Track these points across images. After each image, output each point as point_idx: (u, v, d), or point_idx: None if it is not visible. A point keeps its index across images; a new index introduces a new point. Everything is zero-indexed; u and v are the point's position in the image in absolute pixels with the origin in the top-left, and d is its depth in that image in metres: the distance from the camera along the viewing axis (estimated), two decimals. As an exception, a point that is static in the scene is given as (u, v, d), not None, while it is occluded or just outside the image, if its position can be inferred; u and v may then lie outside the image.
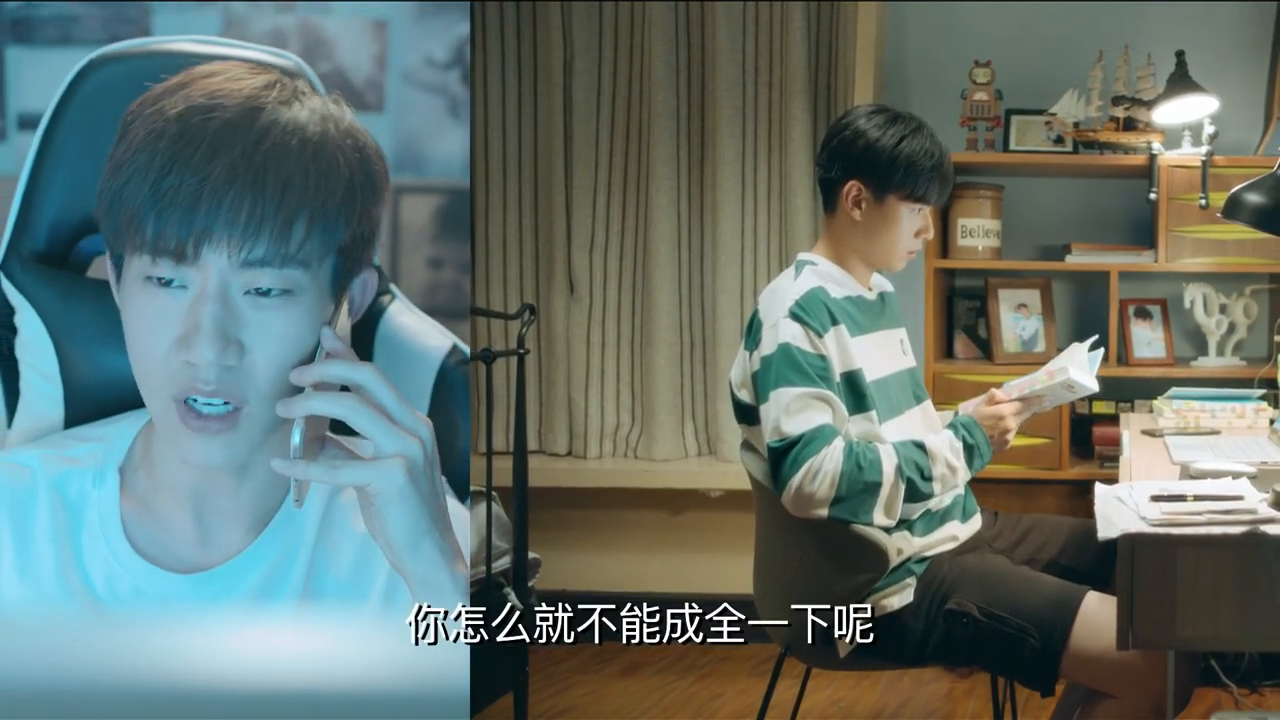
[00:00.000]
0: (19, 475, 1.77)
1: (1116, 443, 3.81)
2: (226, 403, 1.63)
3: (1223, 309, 4.45)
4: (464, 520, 1.81)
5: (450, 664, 0.69)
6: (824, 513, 2.59)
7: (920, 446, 2.68)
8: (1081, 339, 4.40)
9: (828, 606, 2.63)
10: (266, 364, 1.63)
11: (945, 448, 2.69)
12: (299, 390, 1.64)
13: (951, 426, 2.75)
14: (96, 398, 1.94)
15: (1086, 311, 4.74)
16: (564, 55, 4.82)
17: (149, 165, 1.61)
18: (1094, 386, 2.80)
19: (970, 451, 2.71)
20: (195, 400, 1.63)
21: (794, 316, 2.65)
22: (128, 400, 1.81)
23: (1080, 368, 2.80)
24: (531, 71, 4.86)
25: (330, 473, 1.63)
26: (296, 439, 1.63)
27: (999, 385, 2.95)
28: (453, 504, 1.80)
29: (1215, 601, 2.18)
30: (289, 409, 1.63)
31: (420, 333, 2.04)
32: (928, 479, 2.65)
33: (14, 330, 1.97)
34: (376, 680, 0.67)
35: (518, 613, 3.26)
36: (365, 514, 1.64)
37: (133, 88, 1.70)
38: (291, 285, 1.63)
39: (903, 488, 2.62)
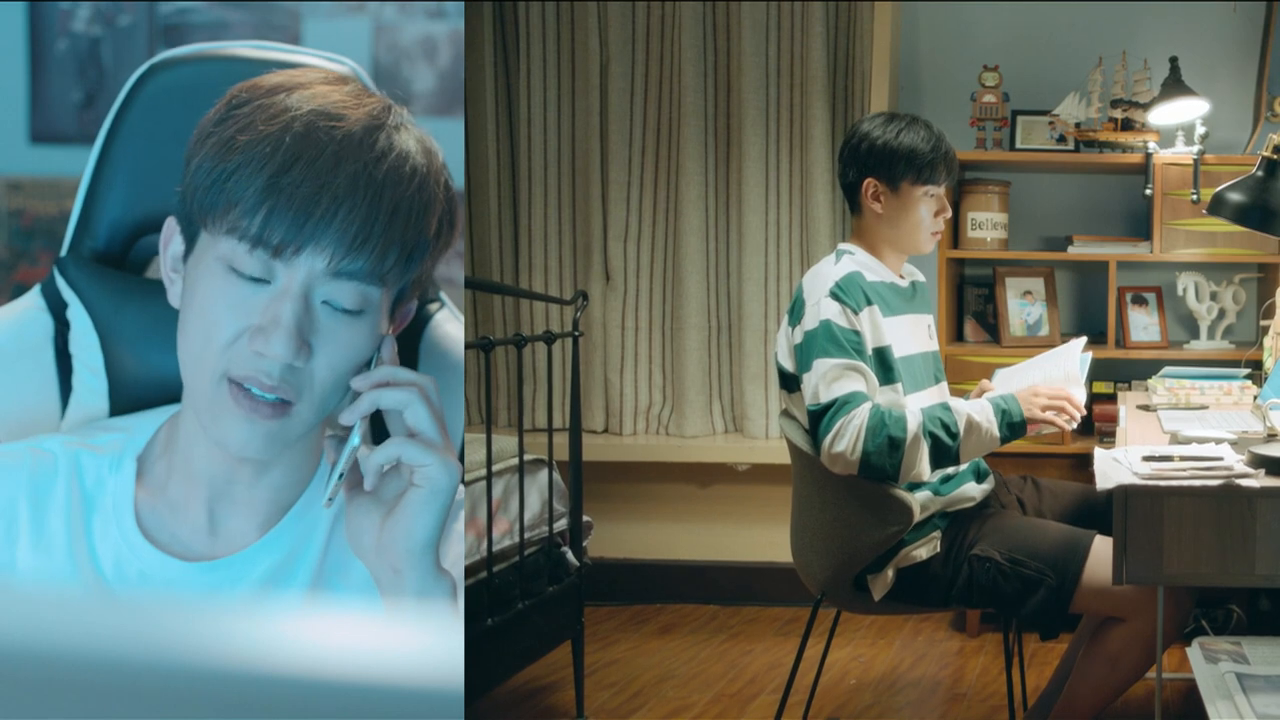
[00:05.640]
0: (40, 459, 1.77)
1: (1115, 419, 3.94)
2: (281, 397, 1.61)
3: (1213, 296, 4.54)
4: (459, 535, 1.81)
5: (446, 660, 0.67)
6: (855, 470, 2.82)
7: (945, 406, 2.90)
8: (1082, 326, 4.67)
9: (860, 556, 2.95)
10: (326, 369, 1.61)
11: (971, 406, 2.89)
12: (354, 398, 1.64)
13: (987, 397, 2.94)
14: (139, 394, 1.93)
15: (1087, 298, 4.85)
16: (600, 59, 4.96)
17: (270, 157, 1.56)
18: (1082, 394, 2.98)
19: (1000, 415, 2.86)
20: (253, 388, 1.60)
21: (834, 296, 2.89)
22: (170, 397, 1.84)
23: (1075, 383, 3.00)
24: (570, 74, 5.01)
25: (397, 446, 1.60)
26: (356, 440, 1.63)
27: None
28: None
29: (1196, 544, 2.47)
30: (353, 413, 1.63)
31: (463, 342, 2.07)
32: (954, 434, 2.83)
33: (69, 325, 1.99)
34: (374, 674, 0.65)
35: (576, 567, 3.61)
36: (377, 508, 1.62)
37: (193, 92, 1.68)
38: (364, 304, 1.61)
39: (926, 444, 2.81)
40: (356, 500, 1.64)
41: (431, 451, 1.59)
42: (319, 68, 1.79)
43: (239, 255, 1.58)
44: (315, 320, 1.60)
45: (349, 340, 1.62)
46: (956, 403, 2.93)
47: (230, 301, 1.59)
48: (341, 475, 1.62)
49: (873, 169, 3.03)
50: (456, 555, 1.75)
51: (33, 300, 2.03)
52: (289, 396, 1.61)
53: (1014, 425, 2.88)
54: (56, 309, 2.00)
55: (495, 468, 3.27)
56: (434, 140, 1.69)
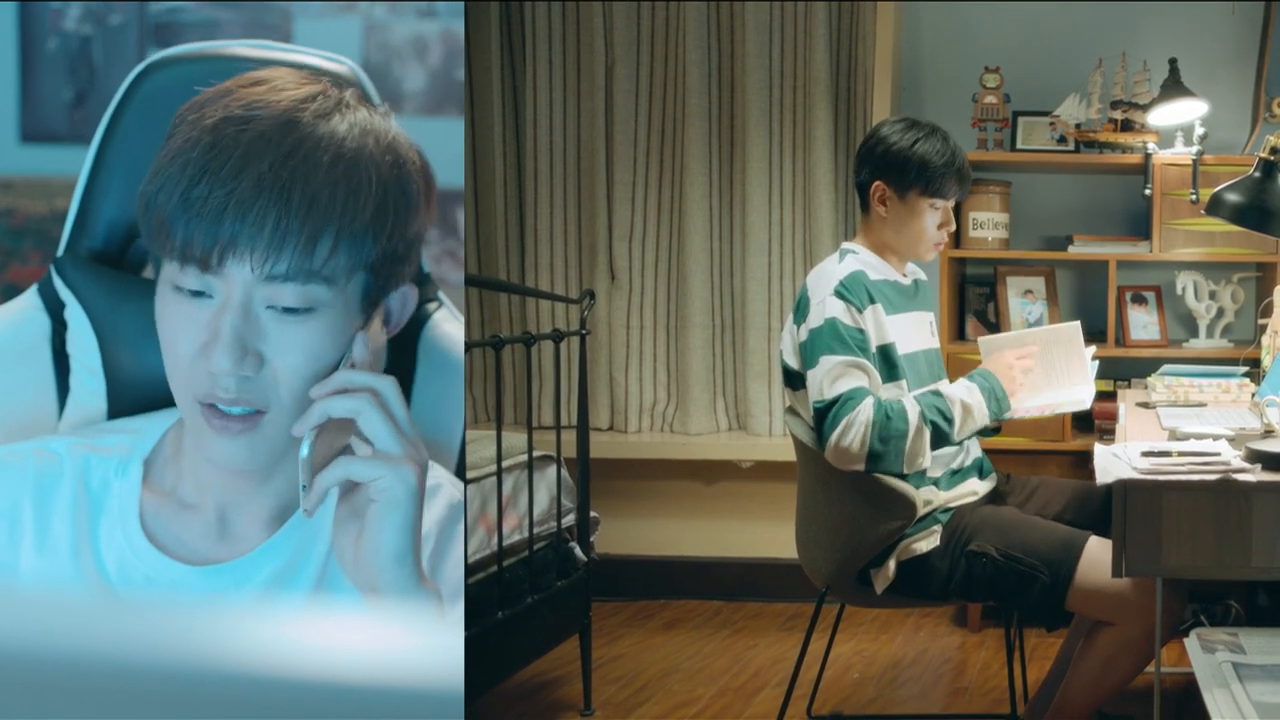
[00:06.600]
0: (46, 460, 1.76)
1: (1115, 416, 3.93)
2: (248, 408, 1.60)
3: (1212, 295, 4.57)
4: (459, 532, 1.81)
5: (446, 662, 0.67)
6: (860, 465, 2.88)
7: (937, 393, 2.96)
8: (1083, 324, 4.70)
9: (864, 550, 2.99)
10: (288, 374, 1.59)
11: (959, 390, 2.97)
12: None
13: (968, 376, 3.02)
14: (138, 393, 1.93)
15: (1087, 297, 4.87)
16: (605, 61, 5.00)
17: (181, 174, 1.56)
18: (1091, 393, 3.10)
19: (988, 395, 2.96)
20: (218, 405, 1.60)
21: (838, 294, 2.94)
22: (168, 397, 1.78)
23: (1085, 383, 3.10)
24: (575, 76, 5.06)
25: (344, 464, 1.58)
26: (305, 451, 1.60)
27: (984, 336, 3.22)
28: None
29: (1194, 537, 2.52)
30: (303, 424, 1.60)
31: (461, 342, 2.06)
32: (949, 420, 2.92)
33: (66, 325, 1.98)
34: (375, 675, 0.66)
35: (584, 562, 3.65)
36: (355, 523, 1.59)
37: (188, 91, 1.67)
38: (314, 302, 1.58)
39: (927, 432, 2.88)
40: (337, 515, 1.62)
41: (381, 463, 1.57)
42: (281, 65, 1.80)
43: (177, 275, 1.59)
44: (261, 328, 1.58)
45: (304, 343, 1.59)
46: (948, 389, 3.00)
47: (182, 322, 1.60)
48: (304, 487, 1.60)
49: (884, 173, 3.08)
50: (456, 557, 1.75)
51: (30, 300, 2.03)
52: (257, 406, 1.60)
53: (1000, 401, 2.99)
54: (54, 309, 2.01)
55: (505, 464, 3.31)
56: (384, 120, 1.66)
